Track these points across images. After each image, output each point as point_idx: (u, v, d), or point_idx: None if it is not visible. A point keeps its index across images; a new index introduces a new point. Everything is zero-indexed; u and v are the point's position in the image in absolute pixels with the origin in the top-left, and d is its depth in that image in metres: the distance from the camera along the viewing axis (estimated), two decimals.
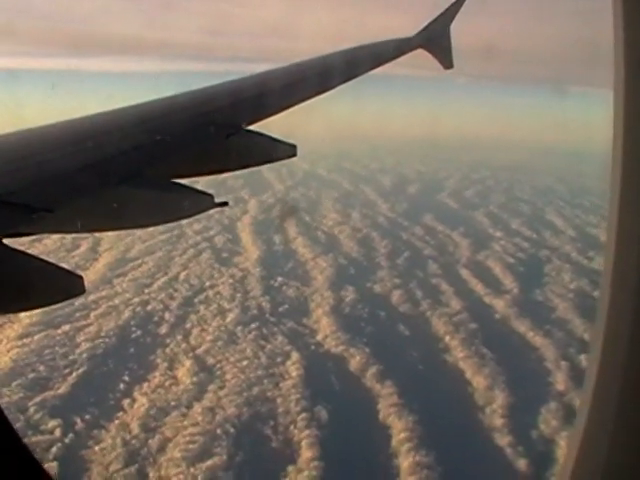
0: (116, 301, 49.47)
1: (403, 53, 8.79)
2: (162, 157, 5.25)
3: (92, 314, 46.69)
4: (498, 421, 33.58)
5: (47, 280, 3.80)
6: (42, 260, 3.89)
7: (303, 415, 33.85)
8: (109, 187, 4.59)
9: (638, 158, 1.77)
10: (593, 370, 1.95)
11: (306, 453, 30.95)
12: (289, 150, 5.83)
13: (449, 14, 9.40)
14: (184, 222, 67.25)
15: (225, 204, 5.30)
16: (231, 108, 6.24)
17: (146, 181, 4.76)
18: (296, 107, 6.66)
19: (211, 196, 4.85)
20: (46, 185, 4.30)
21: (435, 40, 9.43)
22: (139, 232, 61.46)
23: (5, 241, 3.74)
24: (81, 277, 3.95)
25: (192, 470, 29.95)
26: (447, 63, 9.78)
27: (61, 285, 3.88)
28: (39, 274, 3.77)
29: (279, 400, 35.49)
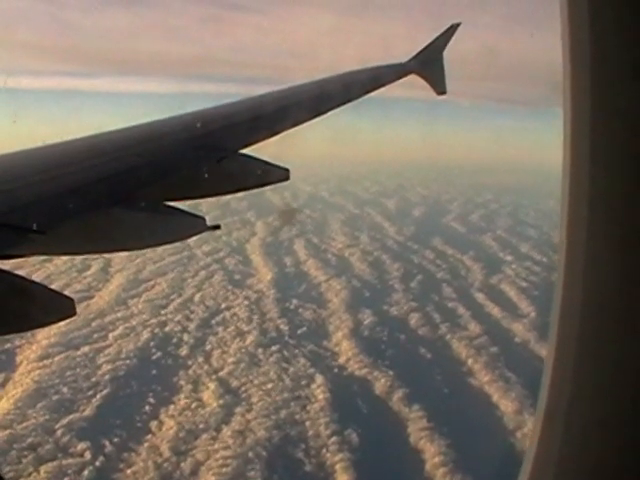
0: (133, 322, 49.16)
1: (396, 79, 8.74)
2: (155, 180, 5.23)
3: (110, 335, 46.41)
4: None
5: (37, 302, 3.74)
6: (32, 282, 3.88)
7: (334, 439, 33.60)
8: (102, 209, 4.56)
9: (584, 164, 1.85)
10: (548, 371, 1.99)
11: (341, 477, 30.68)
12: (282, 174, 5.73)
13: (442, 40, 9.40)
14: (192, 244, 67.43)
15: (217, 227, 5.30)
16: (225, 131, 6.22)
17: (139, 204, 4.73)
18: (293, 130, 6.61)
19: (203, 219, 4.84)
20: (38, 207, 4.26)
21: (429, 66, 9.40)
22: (149, 253, 61.32)
23: None
24: (72, 299, 3.87)
25: None
26: (440, 89, 9.76)
27: (51, 308, 3.81)
28: (29, 296, 3.73)
29: (308, 423, 35.25)
